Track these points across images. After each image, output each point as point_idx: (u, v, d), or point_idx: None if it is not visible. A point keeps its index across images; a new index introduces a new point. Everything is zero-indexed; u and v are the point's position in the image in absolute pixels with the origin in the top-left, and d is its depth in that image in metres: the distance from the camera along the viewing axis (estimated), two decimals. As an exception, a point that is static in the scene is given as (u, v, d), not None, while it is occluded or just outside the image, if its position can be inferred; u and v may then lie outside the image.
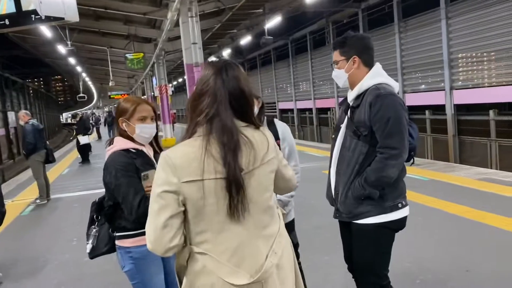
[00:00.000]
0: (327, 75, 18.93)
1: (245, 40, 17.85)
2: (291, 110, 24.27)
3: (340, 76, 2.18)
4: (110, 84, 21.91)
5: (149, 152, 2.20)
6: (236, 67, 1.42)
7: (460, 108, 13.08)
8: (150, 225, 1.30)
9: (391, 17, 15.17)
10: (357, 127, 2.07)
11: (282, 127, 2.51)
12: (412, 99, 14.43)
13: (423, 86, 14.42)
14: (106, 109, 73.00)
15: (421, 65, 14.12)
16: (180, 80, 35.60)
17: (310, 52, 20.95)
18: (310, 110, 21.85)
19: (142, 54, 16.31)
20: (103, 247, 2.14)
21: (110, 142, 2.21)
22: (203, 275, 1.32)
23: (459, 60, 12.72)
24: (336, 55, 2.18)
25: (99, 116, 35.92)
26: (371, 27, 16.58)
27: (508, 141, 11.53)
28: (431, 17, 13.36)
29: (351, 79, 2.16)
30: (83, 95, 36.51)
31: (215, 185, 1.26)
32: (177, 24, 10.33)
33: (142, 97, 2.42)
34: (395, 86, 2.15)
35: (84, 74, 33.23)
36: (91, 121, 21.29)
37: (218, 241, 1.31)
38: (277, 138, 2.39)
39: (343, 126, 2.19)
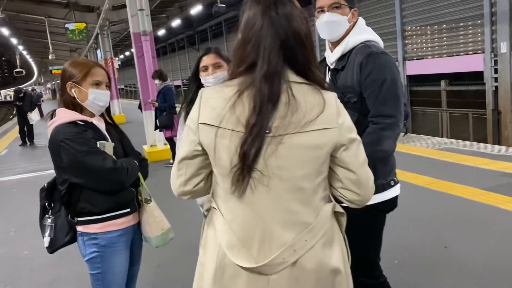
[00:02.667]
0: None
1: (196, 9, 17.07)
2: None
3: (340, 23, 1.78)
4: (50, 57, 20.45)
5: (100, 124, 1.89)
6: (289, 2, 1.15)
7: (413, 79, 13.22)
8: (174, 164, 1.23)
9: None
10: (343, 93, 1.74)
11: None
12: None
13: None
14: (49, 85, 69.15)
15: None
16: (127, 53, 34.05)
17: (263, 24, 20.41)
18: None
19: (84, 24, 15.15)
20: (63, 237, 1.88)
21: (52, 115, 1.87)
22: (211, 236, 1.21)
23: (412, 32, 12.76)
24: None
25: (40, 92, 33.83)
26: None
27: (458, 111, 11.80)
28: None
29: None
30: (20, 69, 34.17)
31: (230, 138, 1.08)
32: (122, -10, 9.52)
33: (91, 59, 1.98)
34: (382, 44, 1.83)
35: (20, 47, 30.93)
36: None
37: (227, 205, 1.17)
38: None
39: None
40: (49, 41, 19.13)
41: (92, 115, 1.88)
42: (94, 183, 1.77)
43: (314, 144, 1.10)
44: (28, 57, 41.74)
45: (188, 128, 1.16)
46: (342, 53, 1.79)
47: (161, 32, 25.56)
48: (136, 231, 1.97)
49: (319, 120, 1.09)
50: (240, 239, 1.14)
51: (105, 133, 1.89)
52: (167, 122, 6.99)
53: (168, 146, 7.50)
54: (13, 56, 41.02)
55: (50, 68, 30.13)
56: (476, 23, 10.55)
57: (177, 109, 7.45)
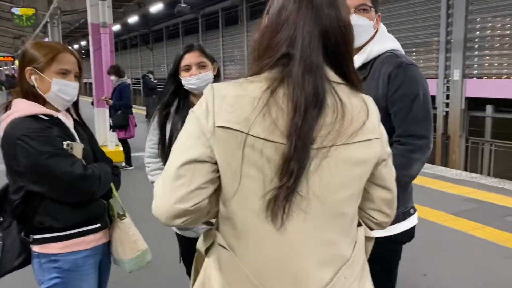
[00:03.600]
0: (239, 56, 18.43)
1: (155, 8, 16.52)
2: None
3: (366, 28, 1.58)
4: (-10, 42, 18.99)
5: (67, 121, 1.57)
6: None
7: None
8: (163, 174, 0.91)
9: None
10: None
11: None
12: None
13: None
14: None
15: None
16: (76, 46, 32.47)
17: (221, 30, 20.25)
18: (218, 89, 21.25)
19: (33, 10, 14.13)
20: (13, 260, 1.53)
21: (6, 106, 1.52)
22: (216, 280, 0.94)
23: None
24: None
25: (-26, 79, 31.35)
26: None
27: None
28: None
29: None
30: (-46, 53, 31.53)
31: (263, 150, 0.84)
32: (79, -22, 8.95)
33: (65, 45, 1.64)
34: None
35: (-44, 29, 28.58)
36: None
37: (247, 241, 0.91)
38: None
39: None
40: (-10, 24, 17.74)
41: (57, 109, 1.55)
42: (58, 192, 1.44)
43: (361, 158, 0.91)
44: (-37, 40, 38.71)
45: (195, 134, 0.88)
46: (364, 61, 1.59)
47: (115, 27, 24.61)
48: (106, 251, 1.65)
49: (365, 128, 0.91)
50: (264, 284, 0.90)
51: (73, 131, 1.57)
52: (121, 121, 6.55)
53: (121, 148, 7.02)
54: None
55: (-11, 54, 28.07)
56: (431, 49, 10.93)
57: (133, 109, 7.07)
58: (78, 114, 1.68)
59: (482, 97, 9.53)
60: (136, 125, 6.80)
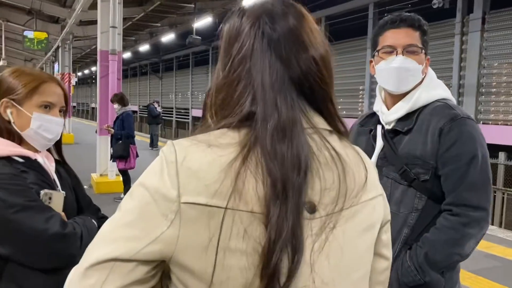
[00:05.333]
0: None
1: (167, 38, 16.65)
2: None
3: (414, 73, 1.36)
4: (1, 63, 19.14)
5: (48, 163, 1.32)
6: (293, 10, 0.74)
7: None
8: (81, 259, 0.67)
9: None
10: (408, 166, 1.29)
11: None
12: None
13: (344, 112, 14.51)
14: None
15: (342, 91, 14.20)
16: (86, 71, 32.86)
17: (231, 62, 20.37)
18: (225, 121, 21.23)
19: (45, 34, 14.24)
20: None
21: None
22: None
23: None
24: (415, 37, 1.36)
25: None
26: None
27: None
28: (358, 44, 13.49)
29: None
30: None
31: (248, 225, 0.62)
32: (93, 6, 8.97)
33: (45, 72, 1.39)
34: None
35: (-30, 48, 29.06)
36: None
37: None
38: None
39: (373, 160, 1.38)
40: (3, 46, 17.93)
41: (36, 149, 1.30)
42: (27, 255, 1.16)
43: (369, 222, 0.73)
44: (-23, 59, 39.41)
45: (143, 215, 0.64)
46: (408, 110, 1.36)
47: (126, 54, 24.91)
48: None
49: (368, 185, 0.74)
50: None
51: (55, 176, 1.31)
52: (122, 152, 6.34)
53: (121, 178, 6.77)
54: (-40, 56, 38.46)
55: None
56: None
57: (138, 137, 6.89)
58: (60, 153, 1.43)
59: (495, 144, 9.29)
60: (137, 156, 6.57)
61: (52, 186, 1.28)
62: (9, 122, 1.25)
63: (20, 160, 1.23)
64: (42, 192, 1.21)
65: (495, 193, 10.82)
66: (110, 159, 6.73)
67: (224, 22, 0.78)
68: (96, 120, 16.55)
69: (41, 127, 1.26)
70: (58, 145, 1.41)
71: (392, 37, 1.37)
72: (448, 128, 1.27)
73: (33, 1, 13.29)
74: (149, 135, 15.05)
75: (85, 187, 1.57)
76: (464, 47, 9.83)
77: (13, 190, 1.14)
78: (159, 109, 14.68)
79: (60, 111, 1.33)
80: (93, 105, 33.62)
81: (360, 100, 13.30)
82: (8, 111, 1.25)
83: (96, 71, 26.93)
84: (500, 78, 9.32)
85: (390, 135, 1.40)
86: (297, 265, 0.62)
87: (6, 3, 14.22)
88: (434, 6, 9.11)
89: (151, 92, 28.37)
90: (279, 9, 0.73)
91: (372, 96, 12.93)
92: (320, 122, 0.73)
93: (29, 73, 1.31)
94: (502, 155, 9.41)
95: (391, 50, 1.37)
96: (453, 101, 1.40)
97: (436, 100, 1.36)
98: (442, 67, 10.31)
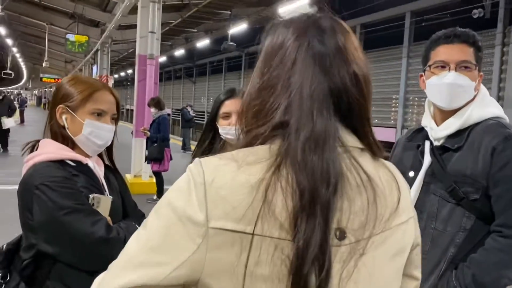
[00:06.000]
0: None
1: (202, 43, 16.91)
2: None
3: (467, 90, 1.35)
4: (44, 65, 19.93)
5: (98, 168, 1.38)
6: (341, 29, 0.74)
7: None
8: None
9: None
10: (458, 184, 1.27)
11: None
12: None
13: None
14: (35, 92, 68.01)
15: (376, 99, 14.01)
16: (122, 74, 33.70)
17: (264, 68, 20.48)
18: (256, 126, 21.30)
19: (86, 37, 14.74)
20: None
21: (33, 147, 1.34)
22: None
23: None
24: (468, 53, 1.35)
25: (25, 97, 33.00)
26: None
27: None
28: (393, 53, 13.30)
29: None
30: (9, 72, 33.41)
31: (275, 250, 0.62)
32: (132, 11, 9.22)
33: (100, 80, 1.46)
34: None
35: (14, 49, 30.35)
36: (15, 102, 19.25)
37: None
38: None
39: (419, 177, 1.36)
40: (46, 48, 18.65)
41: (87, 154, 1.37)
42: (73, 256, 1.22)
43: (399, 247, 0.72)
44: (20, 60, 41.09)
45: (170, 239, 0.63)
46: (460, 127, 1.35)
47: (161, 59, 25.43)
48: None
49: (400, 208, 0.72)
50: None
51: (103, 181, 1.37)
52: (156, 154, 6.47)
53: (154, 180, 6.91)
54: (4, 56, 40.26)
55: (41, 75, 29.54)
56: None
57: (171, 139, 7.03)
58: (111, 159, 1.50)
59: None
60: (171, 159, 6.70)
61: (101, 190, 1.34)
62: (63, 127, 1.33)
63: (72, 164, 1.30)
64: (91, 196, 1.27)
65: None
66: (145, 161, 6.89)
67: (267, 31, 0.78)
68: (130, 122, 16.86)
69: (92, 133, 1.33)
70: (109, 150, 1.48)
71: (446, 52, 1.37)
72: (501, 147, 1.25)
73: (75, 5, 13.80)
74: (181, 138, 15.31)
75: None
76: (505, 58, 9.53)
77: (64, 192, 1.20)
78: (192, 113, 14.90)
79: (112, 119, 1.40)
80: (128, 106, 34.41)
81: (394, 109, 13.09)
82: (64, 117, 1.33)
83: (132, 74, 27.42)
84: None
85: (439, 151, 1.39)
86: (326, 282, 0.61)
87: (51, 7, 14.83)
88: (475, 16, 8.89)
89: (184, 96, 28.80)
90: (328, 24, 0.73)
91: (406, 106, 12.72)
92: (351, 140, 0.71)
93: (84, 81, 1.38)
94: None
95: (444, 66, 1.36)
96: (506, 119, 1.38)
97: (488, 118, 1.34)
98: (483, 75, 10.05)
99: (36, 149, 1.32)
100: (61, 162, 1.28)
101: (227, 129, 1.63)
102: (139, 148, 7.56)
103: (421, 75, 1.48)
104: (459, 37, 1.37)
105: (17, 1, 14.20)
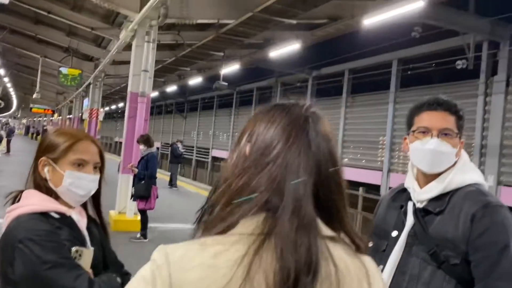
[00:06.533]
0: (269, 133, 18.69)
1: (194, 81, 17.16)
2: (224, 160, 23.59)
3: (448, 156, 1.41)
4: (35, 96, 19.93)
5: (81, 219, 1.39)
6: (321, 117, 0.78)
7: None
8: None
9: (337, 90, 15.33)
10: (439, 247, 1.31)
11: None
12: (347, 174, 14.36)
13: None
14: (24, 121, 67.63)
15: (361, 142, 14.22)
16: (113, 107, 33.80)
17: (254, 107, 20.72)
18: (244, 163, 21.28)
19: (79, 71, 14.90)
20: None
21: (15, 198, 1.35)
22: None
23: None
24: (450, 121, 1.42)
25: (13, 127, 32.78)
26: (318, 96, 16.71)
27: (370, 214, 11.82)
28: (380, 98, 13.62)
29: None
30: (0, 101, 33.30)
31: None
32: (127, 47, 9.39)
33: (84, 130, 1.50)
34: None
35: (6, 79, 30.41)
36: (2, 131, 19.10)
37: None
38: None
39: (402, 238, 1.39)
40: (38, 79, 18.73)
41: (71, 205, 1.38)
42: None
43: None
44: (11, 90, 41.09)
45: None
46: (440, 192, 1.39)
47: (153, 94, 25.66)
48: None
49: None
50: None
51: (85, 232, 1.38)
52: (143, 192, 6.45)
53: (139, 217, 6.84)
54: (-4, 85, 40.23)
55: (31, 105, 29.48)
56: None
57: (158, 173, 7.01)
58: (98, 209, 1.51)
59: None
60: (157, 197, 6.67)
61: (83, 243, 1.35)
62: (45, 179, 1.35)
63: (56, 216, 1.31)
64: (73, 249, 1.28)
65: (356, 215, 11.14)
66: (131, 198, 6.84)
67: (260, 112, 0.80)
68: (119, 154, 16.77)
69: (73, 184, 1.34)
70: (96, 199, 1.49)
71: (429, 119, 1.43)
72: (480, 214, 1.28)
73: (71, 40, 14.00)
74: (168, 173, 15.22)
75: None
76: (488, 108, 9.84)
77: (48, 246, 1.21)
78: (181, 149, 14.89)
79: (95, 167, 1.41)
80: (116, 139, 34.30)
81: (381, 152, 13.27)
82: (46, 169, 1.35)
83: (123, 107, 27.47)
84: (524, 141, 9.22)
85: (421, 213, 1.42)
86: None
87: (46, 40, 15.03)
88: (458, 67, 9.22)
89: (174, 130, 28.88)
90: (316, 115, 0.77)
91: (392, 150, 12.92)
92: (325, 230, 0.72)
93: (67, 132, 1.41)
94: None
95: (426, 131, 1.42)
96: (486, 186, 1.43)
97: (469, 184, 1.39)
98: (466, 126, 10.26)
99: (19, 200, 1.33)
100: (44, 214, 1.29)
101: None
102: (125, 184, 7.51)
103: (405, 138, 1.54)
104: (442, 105, 1.44)
105: (13, 33, 14.38)
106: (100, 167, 1.44)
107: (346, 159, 14.65)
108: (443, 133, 1.41)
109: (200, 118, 26.63)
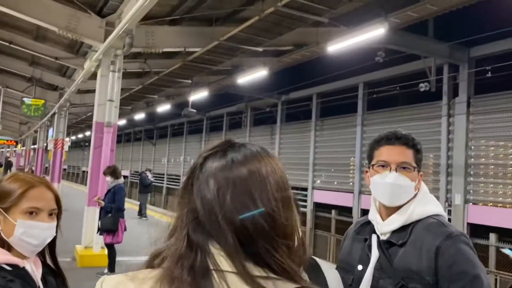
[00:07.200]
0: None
1: (163, 108, 17.03)
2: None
3: (407, 189, 1.43)
4: (-3, 127, 19.28)
5: (35, 270, 1.31)
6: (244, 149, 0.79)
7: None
8: None
9: (306, 114, 15.54)
10: (406, 280, 1.32)
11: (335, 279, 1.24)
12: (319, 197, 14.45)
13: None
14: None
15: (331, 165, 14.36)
16: (80, 135, 33.10)
17: (224, 132, 20.74)
18: (216, 190, 21.11)
19: (43, 101, 14.52)
20: None
21: None
22: None
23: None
24: (408, 155, 1.45)
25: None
26: (288, 120, 16.90)
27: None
28: (348, 121, 13.86)
29: None
30: (-41, 132, 32.02)
31: None
32: (92, 76, 9.25)
33: (41, 177, 1.42)
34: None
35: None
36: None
37: None
38: None
39: (369, 272, 1.39)
40: (0, 110, 18.17)
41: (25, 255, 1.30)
42: None
43: None
44: (-28, 120, 39.71)
45: None
46: (402, 224, 1.41)
47: (121, 121, 25.32)
48: None
49: None
50: None
51: (40, 283, 1.29)
52: (110, 225, 6.23)
53: (106, 251, 6.58)
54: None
55: (-7, 136, 28.48)
56: (432, 171, 10.94)
57: (126, 203, 6.80)
58: (53, 257, 1.42)
59: (485, 225, 9.26)
60: (125, 229, 6.45)
61: None
62: None
63: (8, 268, 1.23)
64: None
65: (330, 238, 11.54)
66: (97, 232, 6.59)
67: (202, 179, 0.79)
68: (86, 184, 16.40)
69: (25, 233, 1.27)
70: (52, 247, 1.40)
71: (387, 153, 1.45)
72: (445, 246, 1.31)
73: (34, 69, 13.69)
74: (137, 202, 14.87)
75: (67, 259, 1.54)
76: (451, 128, 10.14)
77: None
78: (151, 178, 14.62)
79: (50, 214, 1.33)
80: (84, 168, 33.47)
81: (351, 174, 13.42)
82: None
83: (89, 135, 27.08)
84: (487, 160, 9.50)
85: (386, 245, 1.43)
86: None
87: (8, 70, 14.64)
88: (421, 90, 9.51)
89: (144, 158, 28.46)
90: (232, 146, 0.79)
91: (362, 171, 13.07)
92: (251, 268, 0.71)
93: (21, 179, 1.34)
94: (492, 237, 9.35)
95: (385, 165, 1.44)
96: (445, 217, 1.46)
97: (429, 216, 1.41)
98: (431, 146, 10.54)
99: None
100: None
101: None
102: (91, 217, 7.25)
103: (366, 171, 1.55)
104: (400, 139, 1.47)
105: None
106: (57, 213, 1.37)
107: (318, 182, 14.77)
108: (402, 167, 1.43)
109: (170, 144, 26.38)
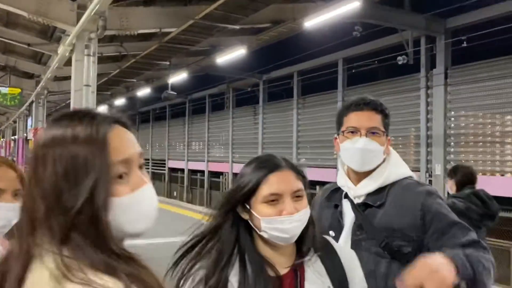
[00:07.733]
0: (224, 139, 18.60)
1: (143, 92, 16.82)
2: (182, 170, 23.32)
3: (377, 154, 1.46)
4: (-27, 118, 18.85)
5: (2, 251, 1.27)
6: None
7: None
8: None
9: (288, 93, 15.53)
10: (390, 238, 1.35)
11: (349, 259, 1.22)
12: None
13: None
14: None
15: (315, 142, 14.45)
16: (61, 124, 32.58)
17: (208, 114, 20.62)
18: (202, 172, 21.09)
19: (19, 90, 14.20)
20: None
21: None
22: None
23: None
24: (377, 120, 1.47)
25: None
26: (270, 99, 16.86)
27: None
28: (329, 97, 13.91)
29: None
30: None
31: None
32: (68, 62, 9.05)
33: (3, 157, 1.39)
34: None
35: None
36: None
37: None
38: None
39: (344, 235, 1.40)
40: (-25, 101, 17.72)
41: None
42: None
43: None
44: None
45: None
46: (379, 186, 1.45)
47: (101, 108, 24.91)
48: None
49: None
50: None
51: None
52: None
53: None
54: None
55: (-29, 129, 27.89)
56: (413, 142, 11.11)
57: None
58: None
59: (465, 193, 9.47)
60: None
61: None
62: None
63: None
64: None
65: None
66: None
67: None
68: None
69: None
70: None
71: (356, 119, 1.47)
72: (430, 203, 1.38)
73: (7, 57, 13.34)
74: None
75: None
76: (430, 100, 10.25)
77: None
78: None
79: (13, 195, 1.32)
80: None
81: (333, 150, 13.53)
82: None
83: (71, 124, 26.64)
84: (467, 130, 9.67)
85: (362, 208, 1.46)
86: None
87: (-20, 59, 14.24)
88: (399, 63, 9.57)
89: (127, 144, 28.24)
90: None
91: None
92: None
93: None
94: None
95: (355, 131, 1.46)
96: (416, 177, 1.55)
97: (404, 178, 1.48)
98: (412, 118, 10.67)
99: None
100: None
101: (279, 221, 1.08)
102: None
103: (336, 138, 1.56)
104: (368, 105, 1.49)
105: None
106: (18, 193, 1.34)
107: (302, 160, 14.85)
108: (371, 132, 1.45)
109: (153, 129, 26.15)
